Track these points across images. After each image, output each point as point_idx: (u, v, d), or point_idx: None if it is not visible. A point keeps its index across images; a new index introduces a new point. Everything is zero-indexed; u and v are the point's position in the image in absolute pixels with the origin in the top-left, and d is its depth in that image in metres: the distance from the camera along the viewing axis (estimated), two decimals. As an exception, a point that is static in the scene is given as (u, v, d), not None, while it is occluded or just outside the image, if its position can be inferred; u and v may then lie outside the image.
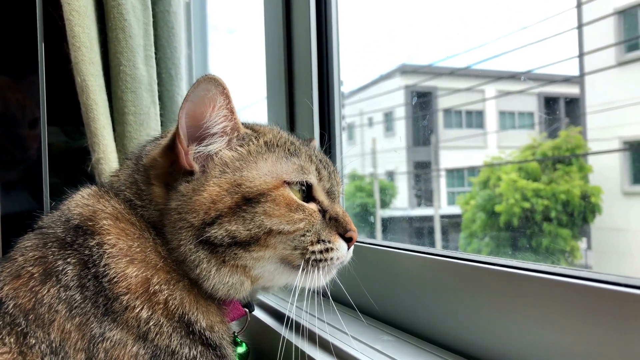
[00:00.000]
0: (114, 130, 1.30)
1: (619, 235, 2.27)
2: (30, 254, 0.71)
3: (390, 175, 4.81)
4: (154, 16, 1.42)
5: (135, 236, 0.74)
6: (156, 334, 0.68)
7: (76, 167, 1.35)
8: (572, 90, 2.58)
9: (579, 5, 2.17)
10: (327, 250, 0.78)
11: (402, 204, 4.57)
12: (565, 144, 2.82)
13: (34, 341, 0.64)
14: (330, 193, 0.84)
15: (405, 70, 4.62)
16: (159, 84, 1.40)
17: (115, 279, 0.68)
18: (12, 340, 0.63)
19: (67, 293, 0.66)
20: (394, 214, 4.53)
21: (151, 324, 0.68)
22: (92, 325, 0.65)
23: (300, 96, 1.37)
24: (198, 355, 0.70)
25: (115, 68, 1.30)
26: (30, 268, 0.69)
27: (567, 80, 2.59)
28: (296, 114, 1.39)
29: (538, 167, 2.95)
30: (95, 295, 0.67)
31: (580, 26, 2.16)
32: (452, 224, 3.37)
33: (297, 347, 0.87)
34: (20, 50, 1.47)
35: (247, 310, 0.86)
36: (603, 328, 0.60)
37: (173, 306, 0.71)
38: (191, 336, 0.71)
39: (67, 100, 1.27)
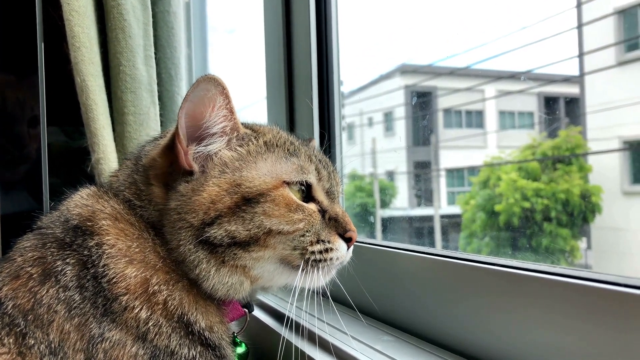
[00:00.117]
0: (114, 130, 1.30)
1: (619, 235, 2.27)
2: (29, 254, 0.71)
3: (390, 175, 4.81)
4: (153, 16, 1.42)
5: (134, 236, 0.74)
6: (155, 334, 0.68)
7: (76, 167, 1.35)
8: (572, 90, 2.59)
9: (578, 5, 2.17)
10: (326, 250, 0.78)
11: (402, 204, 4.57)
12: (565, 144, 2.82)
13: (33, 342, 0.63)
14: (329, 193, 0.84)
15: (405, 70, 4.62)
16: (158, 84, 1.40)
17: (114, 280, 0.68)
18: (11, 340, 0.63)
19: (66, 293, 0.66)
20: (394, 214, 4.53)
21: (150, 324, 0.68)
22: (91, 326, 0.65)
23: (300, 96, 1.37)
24: (197, 356, 0.70)
25: (115, 68, 1.30)
26: (29, 268, 0.69)
27: (567, 80, 2.59)
28: (296, 114, 1.39)
29: (538, 167, 2.95)
30: (95, 296, 0.67)
31: (580, 26, 2.16)
32: (452, 223, 3.37)
33: (297, 347, 0.87)
34: (20, 51, 1.47)
35: (247, 310, 0.86)
36: (603, 328, 0.60)
37: (172, 306, 0.71)
38: (190, 336, 0.71)
39: (67, 100, 1.27)
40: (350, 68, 1.65)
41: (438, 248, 1.58)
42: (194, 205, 0.73)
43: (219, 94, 0.75)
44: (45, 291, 0.66)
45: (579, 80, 2.39)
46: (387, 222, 3.39)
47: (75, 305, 0.66)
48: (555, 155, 2.88)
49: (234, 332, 0.83)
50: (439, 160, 4.28)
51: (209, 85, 0.74)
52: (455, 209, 3.74)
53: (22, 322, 0.64)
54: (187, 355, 0.69)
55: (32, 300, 0.66)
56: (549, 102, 3.29)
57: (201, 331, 0.72)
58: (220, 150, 0.78)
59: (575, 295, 0.63)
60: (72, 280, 0.67)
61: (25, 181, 1.51)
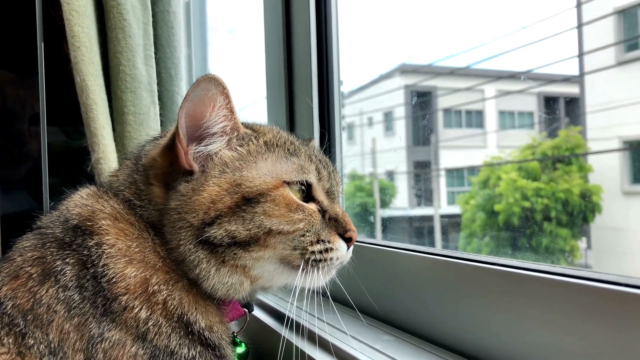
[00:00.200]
0: (114, 130, 1.30)
1: (619, 234, 2.27)
2: (29, 254, 0.71)
3: (390, 175, 4.81)
4: (153, 16, 1.42)
5: (134, 236, 0.74)
6: (155, 334, 0.68)
7: (76, 167, 1.35)
8: (572, 89, 2.59)
9: (578, 5, 2.17)
10: (326, 250, 0.78)
11: (402, 204, 4.57)
12: (565, 144, 2.82)
13: (32, 342, 0.63)
14: (329, 193, 0.84)
15: (405, 69, 4.62)
16: (158, 84, 1.40)
17: (114, 279, 0.68)
18: (10, 340, 0.63)
19: (65, 293, 0.66)
20: (394, 214, 4.53)
21: (150, 324, 0.68)
22: (90, 326, 0.65)
23: (300, 96, 1.37)
24: (197, 356, 0.70)
25: (114, 68, 1.30)
26: (29, 268, 0.69)
27: (566, 79, 2.59)
28: (296, 114, 1.39)
29: (538, 167, 2.95)
30: (94, 296, 0.67)
31: (580, 26, 2.16)
32: (452, 223, 3.37)
33: (297, 347, 0.87)
34: (20, 50, 1.47)
35: (247, 310, 0.86)
36: (603, 328, 0.60)
37: (172, 306, 0.71)
38: (190, 336, 0.71)
39: (67, 100, 1.27)
40: (350, 68, 1.65)
41: (438, 248, 1.58)
42: (194, 205, 0.73)
43: (219, 93, 0.75)
44: (44, 291, 0.66)
45: (578, 80, 2.39)
46: (387, 222, 3.39)
47: (74, 305, 0.66)
48: (555, 155, 2.88)
49: (233, 332, 0.83)
50: (438, 160, 4.28)
51: (209, 85, 0.74)
52: (455, 209, 3.75)
53: (22, 322, 0.64)
54: (186, 355, 0.69)
55: (32, 300, 0.66)
56: (549, 102, 3.29)
57: (201, 331, 0.72)
58: (220, 150, 0.78)
59: (575, 295, 0.63)
60: (71, 280, 0.67)
61: (25, 181, 1.51)
